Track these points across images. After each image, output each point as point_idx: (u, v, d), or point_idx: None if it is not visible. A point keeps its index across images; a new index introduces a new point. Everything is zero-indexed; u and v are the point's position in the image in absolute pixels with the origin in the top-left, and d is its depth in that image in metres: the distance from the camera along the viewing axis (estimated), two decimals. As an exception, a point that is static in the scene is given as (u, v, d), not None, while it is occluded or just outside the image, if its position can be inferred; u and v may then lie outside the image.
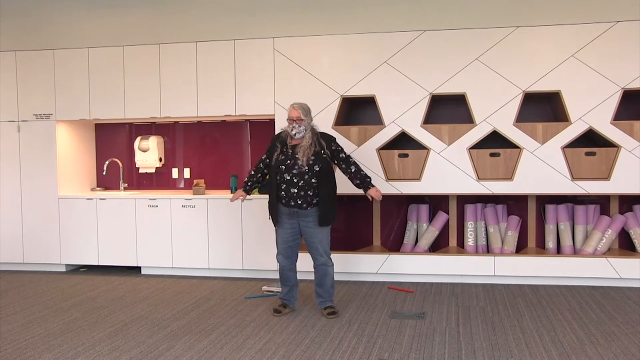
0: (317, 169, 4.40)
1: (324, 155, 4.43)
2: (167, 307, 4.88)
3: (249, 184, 4.73)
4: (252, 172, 4.73)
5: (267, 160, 4.60)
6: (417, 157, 5.59)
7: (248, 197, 5.79)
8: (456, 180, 5.52)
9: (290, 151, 4.44)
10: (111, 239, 6.13)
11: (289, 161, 4.42)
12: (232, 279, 5.87)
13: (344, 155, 4.57)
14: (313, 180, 4.41)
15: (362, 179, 4.54)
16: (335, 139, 4.60)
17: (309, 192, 4.41)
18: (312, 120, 4.53)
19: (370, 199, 4.58)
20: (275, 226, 4.59)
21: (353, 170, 4.55)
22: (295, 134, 4.42)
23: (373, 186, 4.56)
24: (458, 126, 5.54)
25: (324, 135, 4.54)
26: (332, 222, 4.53)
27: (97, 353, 3.77)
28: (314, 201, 4.43)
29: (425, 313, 4.58)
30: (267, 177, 4.68)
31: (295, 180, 4.39)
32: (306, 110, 4.46)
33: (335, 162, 4.55)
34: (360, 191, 5.61)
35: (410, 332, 4.11)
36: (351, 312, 4.63)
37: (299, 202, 4.41)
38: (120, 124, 6.73)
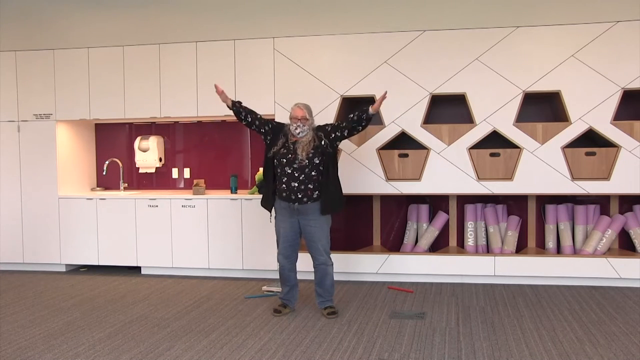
0: (317, 161, 4.43)
1: (325, 146, 4.45)
2: (167, 307, 4.88)
3: (237, 104, 4.60)
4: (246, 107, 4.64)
5: (264, 123, 4.56)
6: (417, 157, 5.59)
7: (248, 196, 5.84)
8: (456, 180, 5.52)
9: (292, 146, 4.48)
10: (111, 239, 6.13)
11: (290, 155, 4.45)
12: (232, 279, 5.87)
13: (339, 123, 4.54)
14: (313, 173, 4.43)
15: (359, 114, 4.44)
16: (325, 124, 4.61)
17: (309, 186, 4.43)
18: (313, 121, 4.58)
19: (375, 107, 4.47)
20: (264, 207, 4.61)
21: (350, 117, 4.47)
22: (299, 133, 4.45)
23: (369, 109, 4.46)
24: (458, 126, 5.54)
25: (319, 127, 4.58)
26: (339, 210, 4.55)
27: (97, 353, 3.77)
28: (314, 195, 4.45)
29: (425, 313, 4.58)
30: (249, 119, 4.60)
31: (296, 174, 4.42)
32: (309, 110, 4.54)
33: (339, 133, 4.48)
34: (360, 191, 5.66)
35: (410, 332, 4.11)
36: (351, 312, 4.63)
37: (300, 196, 4.42)
38: (120, 124, 6.73)
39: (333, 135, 4.50)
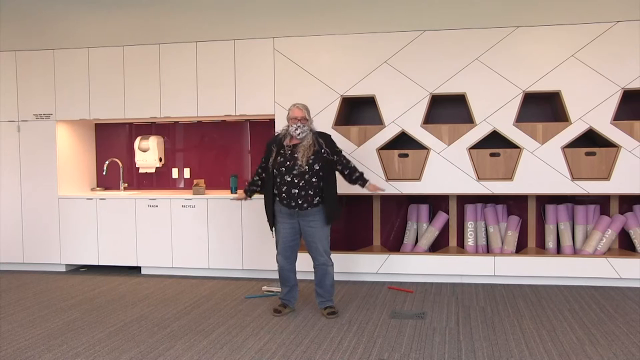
0: (317, 167, 4.42)
1: (324, 154, 4.45)
2: (167, 307, 4.88)
3: (250, 187, 4.77)
4: (253, 179, 4.77)
5: (265, 165, 4.62)
6: (417, 157, 5.59)
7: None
8: (456, 180, 5.52)
9: (289, 152, 4.45)
10: (111, 239, 6.13)
11: (288, 162, 4.43)
12: (232, 279, 5.87)
13: (344, 155, 4.65)
14: (313, 180, 4.42)
15: (360, 175, 4.66)
16: (330, 136, 4.63)
17: (309, 192, 4.42)
18: (312, 121, 4.59)
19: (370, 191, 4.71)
20: (271, 229, 4.61)
21: (352, 165, 4.65)
22: (299, 133, 4.44)
23: (368, 180, 4.69)
24: (458, 126, 5.54)
25: (321, 134, 4.57)
26: (338, 219, 4.60)
27: (97, 353, 3.77)
28: (315, 201, 4.44)
29: (425, 313, 4.58)
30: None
31: (296, 181, 4.40)
32: (308, 111, 4.55)
33: (335, 157, 4.56)
34: (361, 191, 5.65)
35: (410, 332, 4.11)
36: (351, 312, 4.63)
37: (300, 202, 4.41)
38: (120, 124, 6.73)
39: (335, 157, 4.54)
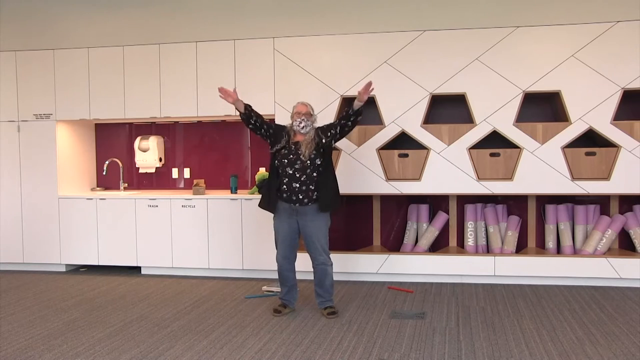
0: (319, 162, 4.45)
1: (326, 144, 4.46)
2: (167, 307, 4.88)
3: (251, 109, 4.52)
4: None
5: (267, 125, 4.53)
6: (417, 157, 5.59)
7: (248, 196, 5.84)
8: (456, 180, 5.52)
9: (293, 146, 4.49)
10: (111, 239, 6.13)
11: (291, 155, 4.46)
12: (232, 279, 5.87)
13: (336, 120, 4.55)
14: (314, 175, 4.44)
15: (348, 109, 4.46)
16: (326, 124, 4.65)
17: (310, 187, 4.44)
18: (316, 119, 4.63)
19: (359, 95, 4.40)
20: (272, 212, 4.58)
21: (343, 113, 4.49)
22: (303, 127, 4.46)
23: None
24: (458, 126, 5.54)
25: (320, 128, 4.60)
26: (336, 209, 4.57)
27: (97, 353, 3.77)
28: (315, 196, 4.45)
29: (425, 313, 4.58)
30: (254, 119, 4.51)
31: (297, 175, 4.42)
32: (312, 108, 4.60)
33: (334, 131, 4.48)
34: (360, 191, 5.66)
35: (410, 332, 4.11)
36: (351, 312, 4.63)
37: (300, 197, 4.43)
38: (120, 124, 6.74)
39: (329, 132, 4.50)
